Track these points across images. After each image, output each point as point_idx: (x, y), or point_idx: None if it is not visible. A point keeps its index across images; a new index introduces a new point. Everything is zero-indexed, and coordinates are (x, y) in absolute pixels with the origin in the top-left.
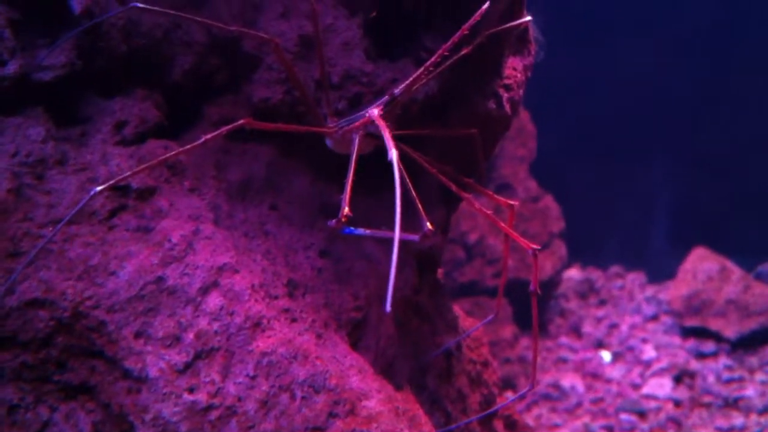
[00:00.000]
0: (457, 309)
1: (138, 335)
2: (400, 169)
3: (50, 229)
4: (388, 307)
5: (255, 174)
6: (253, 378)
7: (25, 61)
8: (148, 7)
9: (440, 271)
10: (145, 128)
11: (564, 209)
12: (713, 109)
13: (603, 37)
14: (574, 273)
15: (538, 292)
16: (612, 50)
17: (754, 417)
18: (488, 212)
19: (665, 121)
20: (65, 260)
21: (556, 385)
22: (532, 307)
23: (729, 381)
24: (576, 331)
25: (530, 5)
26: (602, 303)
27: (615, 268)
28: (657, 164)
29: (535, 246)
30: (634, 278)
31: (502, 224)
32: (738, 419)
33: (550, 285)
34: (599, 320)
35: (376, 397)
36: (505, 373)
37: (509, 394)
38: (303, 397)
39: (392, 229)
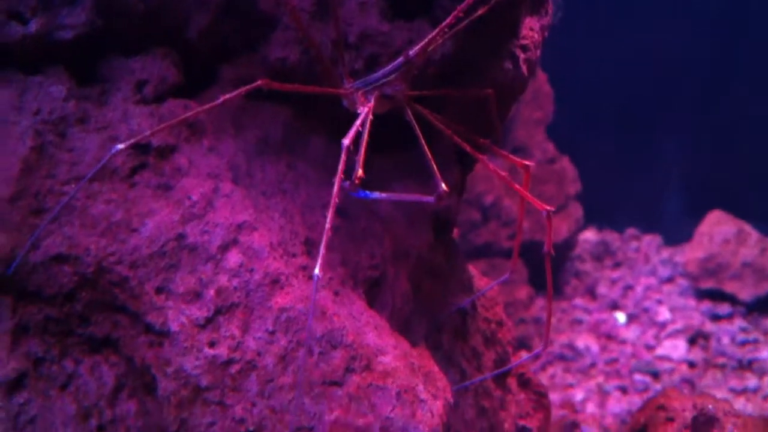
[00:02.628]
0: (473, 269)
1: (159, 291)
2: None
3: (73, 186)
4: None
5: (272, 133)
6: (272, 333)
7: (47, 19)
8: None
9: (456, 232)
10: (164, 87)
11: (580, 171)
12: (732, 73)
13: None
14: (589, 235)
15: (552, 253)
16: (631, 13)
17: (767, 379)
18: (503, 174)
19: (684, 84)
20: (88, 217)
21: (571, 346)
22: (546, 269)
23: (743, 343)
24: (591, 293)
25: None
26: (618, 265)
27: (631, 231)
28: (675, 127)
29: (549, 207)
30: (650, 241)
31: (517, 186)
32: (752, 381)
33: (566, 247)
34: (614, 282)
35: (392, 353)
36: (519, 334)
37: (524, 354)
38: (320, 353)
39: (406, 190)
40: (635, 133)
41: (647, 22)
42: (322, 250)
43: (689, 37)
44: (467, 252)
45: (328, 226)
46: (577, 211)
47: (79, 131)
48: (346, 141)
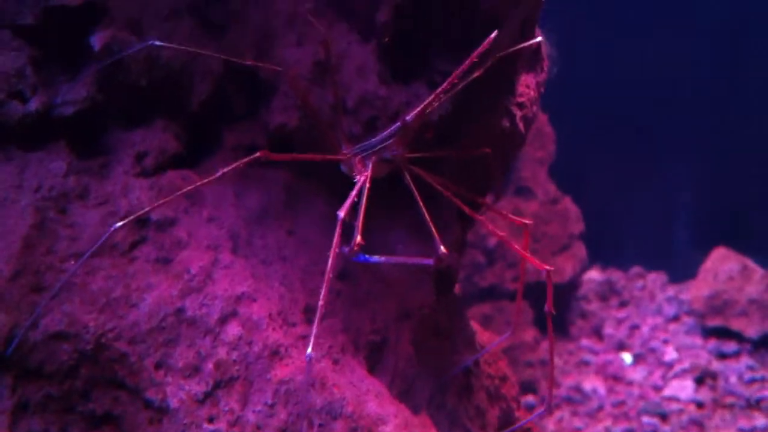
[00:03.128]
0: (474, 324)
1: (159, 366)
2: None
3: (72, 262)
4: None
5: (273, 198)
6: (272, 406)
7: (47, 97)
8: (165, 44)
9: (457, 287)
10: (164, 158)
11: (584, 210)
12: (733, 109)
13: (622, 36)
14: (594, 274)
15: (553, 312)
16: (631, 49)
17: None
18: (502, 234)
19: (685, 120)
20: (88, 293)
21: (578, 388)
22: (547, 328)
23: (751, 381)
24: (597, 333)
25: (546, 15)
26: (623, 304)
27: (636, 269)
28: (677, 164)
29: (548, 267)
30: (655, 278)
31: (516, 246)
32: (760, 420)
33: (571, 287)
34: (620, 322)
35: (392, 422)
36: (526, 377)
37: (530, 398)
38: (321, 425)
39: (407, 248)
40: (638, 171)
41: (647, 60)
42: (314, 329)
43: (691, 74)
44: (472, 295)
45: (321, 303)
46: (581, 251)
47: (79, 206)
48: (341, 213)
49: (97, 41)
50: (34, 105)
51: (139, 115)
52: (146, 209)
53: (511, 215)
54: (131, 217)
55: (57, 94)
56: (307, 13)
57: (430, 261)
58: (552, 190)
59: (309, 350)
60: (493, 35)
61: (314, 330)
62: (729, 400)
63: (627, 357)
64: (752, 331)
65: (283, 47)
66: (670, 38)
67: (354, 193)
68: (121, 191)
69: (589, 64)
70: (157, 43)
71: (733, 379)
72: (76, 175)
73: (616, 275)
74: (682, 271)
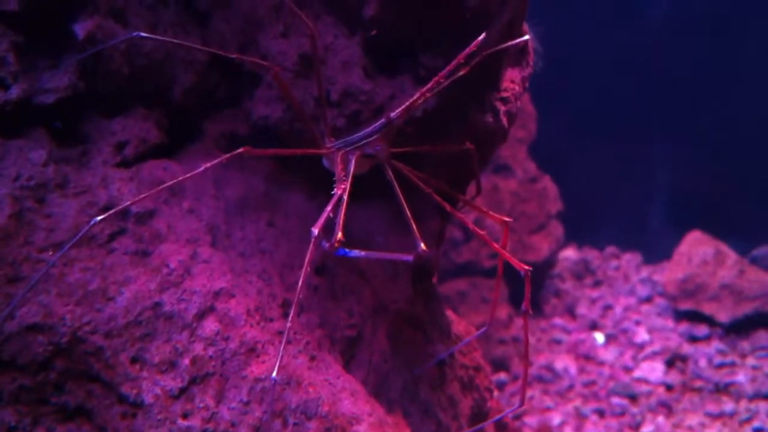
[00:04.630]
0: (450, 313)
1: (134, 361)
2: None
3: (50, 252)
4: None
5: (254, 189)
6: (247, 404)
7: (28, 84)
8: (150, 36)
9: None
10: (145, 148)
11: (562, 189)
12: (712, 92)
13: (602, 17)
14: (570, 253)
15: (530, 312)
16: (611, 31)
17: (744, 403)
18: (482, 232)
19: (664, 102)
20: (65, 285)
21: (549, 367)
22: (523, 326)
23: (720, 366)
24: (570, 312)
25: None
26: (597, 284)
27: (611, 249)
28: (655, 146)
29: (527, 267)
30: (630, 259)
31: (496, 245)
32: (728, 405)
33: (546, 266)
34: (594, 301)
35: (367, 421)
36: (499, 354)
37: (502, 375)
38: (295, 424)
39: (388, 242)
40: (617, 152)
41: (627, 41)
42: (280, 353)
43: (670, 57)
44: (449, 270)
45: (288, 325)
46: (557, 230)
47: (58, 196)
48: (316, 230)
49: (81, 29)
50: (15, 92)
51: (122, 103)
52: (127, 204)
53: (490, 212)
54: (111, 211)
55: (39, 82)
56: (290, 3)
57: (409, 257)
58: (532, 168)
59: (274, 374)
60: (481, 38)
61: (278, 359)
62: (698, 383)
63: (599, 337)
64: (723, 315)
65: (268, 38)
66: (650, 21)
67: (329, 207)
68: (100, 182)
69: (572, 46)
70: (142, 34)
71: (702, 363)
72: (56, 164)
73: (592, 254)
74: (657, 251)
